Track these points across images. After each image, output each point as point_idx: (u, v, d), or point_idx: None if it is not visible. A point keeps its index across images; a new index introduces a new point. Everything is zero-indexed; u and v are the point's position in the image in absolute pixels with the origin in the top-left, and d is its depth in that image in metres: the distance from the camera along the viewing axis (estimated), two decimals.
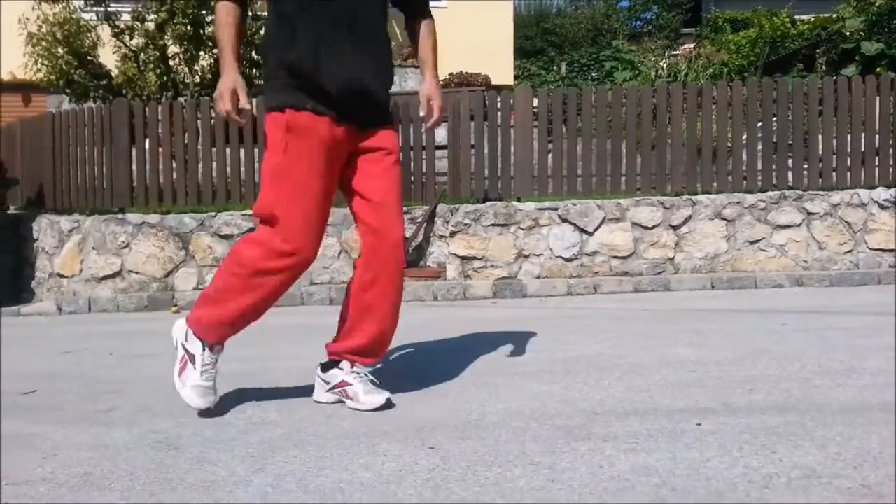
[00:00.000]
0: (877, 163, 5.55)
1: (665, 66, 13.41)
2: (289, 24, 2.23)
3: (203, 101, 5.87)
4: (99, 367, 3.22)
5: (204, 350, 2.32)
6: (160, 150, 5.66)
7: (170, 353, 2.38)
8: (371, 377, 2.40)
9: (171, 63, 7.94)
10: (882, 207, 5.32)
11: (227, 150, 5.61)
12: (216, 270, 2.42)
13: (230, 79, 2.23)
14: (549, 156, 5.71)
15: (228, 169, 5.62)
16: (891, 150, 5.56)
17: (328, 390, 2.42)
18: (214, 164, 5.61)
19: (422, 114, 2.43)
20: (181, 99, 7.01)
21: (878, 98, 5.59)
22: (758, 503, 1.52)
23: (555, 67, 15.53)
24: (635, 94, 5.80)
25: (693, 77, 11.25)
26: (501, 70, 11.31)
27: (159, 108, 5.72)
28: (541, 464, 1.79)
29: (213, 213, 5.33)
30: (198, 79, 7.95)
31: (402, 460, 1.85)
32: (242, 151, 5.62)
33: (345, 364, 2.39)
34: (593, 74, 14.18)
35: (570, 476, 1.71)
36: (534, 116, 5.81)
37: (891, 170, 5.53)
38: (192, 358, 2.31)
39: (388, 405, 2.32)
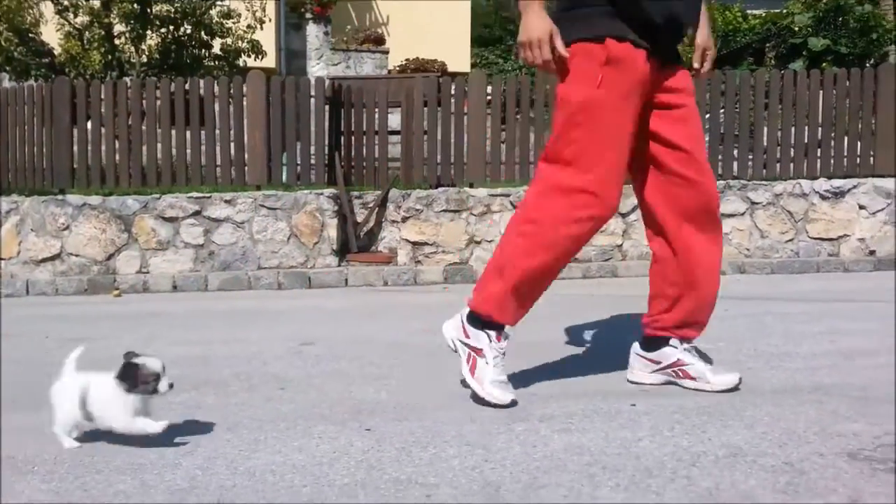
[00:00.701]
0: (819, 155, 5.70)
1: None
2: None
3: (148, 81, 5.72)
4: (36, 350, 3.12)
5: (490, 342, 2.13)
6: (103, 130, 5.49)
7: (109, 336, 2.32)
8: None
9: (117, 42, 7.70)
10: (823, 198, 5.48)
11: (173, 132, 5.47)
12: (499, 243, 2.16)
13: (545, 23, 1.97)
14: (503, 143, 5.72)
15: (174, 150, 5.49)
16: (832, 143, 5.72)
17: (656, 371, 2.24)
18: (159, 146, 5.46)
19: (695, 65, 2.18)
20: (126, 79, 6.81)
21: (821, 92, 5.73)
22: (683, 480, 1.55)
23: (513, 56, 15.55)
24: None
25: None
26: (458, 57, 11.29)
27: (103, 87, 5.55)
28: (476, 444, 1.80)
29: (158, 196, 5.20)
30: (144, 58, 7.72)
31: (337, 442, 1.83)
32: (188, 133, 5.49)
33: (675, 341, 2.20)
34: None
35: (504, 456, 1.72)
36: (487, 104, 5.80)
37: (832, 161, 5.69)
38: (479, 352, 2.12)
39: (739, 385, 2.16)
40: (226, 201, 5.19)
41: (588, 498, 1.48)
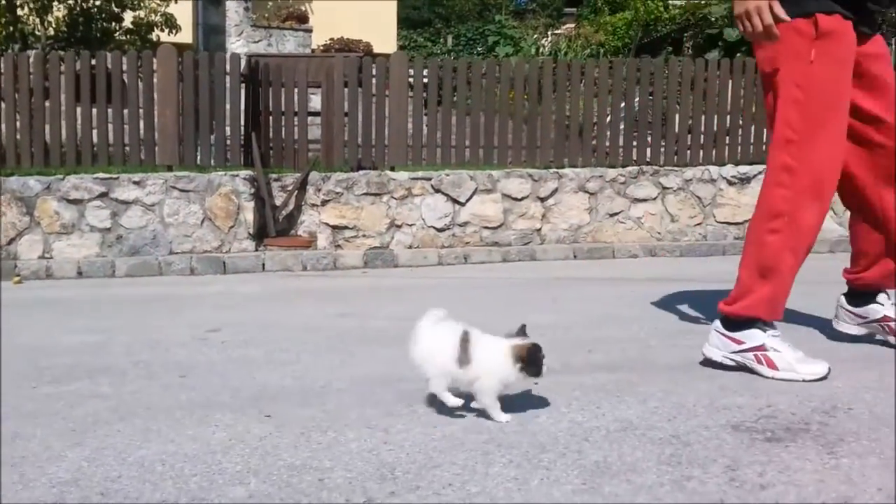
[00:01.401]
0: (727, 142, 5.93)
1: (547, 44, 13.73)
2: None
3: (53, 55, 5.42)
4: None
5: (766, 332, 2.13)
6: (3, 106, 5.18)
7: (11, 322, 2.18)
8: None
9: (20, 13, 7.27)
10: (730, 183, 5.71)
11: (79, 109, 5.22)
12: (746, 242, 2.23)
13: None
14: (425, 126, 5.71)
15: (79, 129, 5.23)
16: (740, 131, 5.96)
17: (863, 324, 2.38)
18: (64, 124, 5.20)
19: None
20: (29, 52, 6.43)
21: (730, 81, 5.95)
22: (574, 455, 1.59)
23: (441, 40, 15.53)
24: (510, 68, 5.89)
25: (572, 56, 11.58)
26: (385, 38, 11.18)
27: (3, 60, 5.23)
28: (377, 427, 1.80)
29: (62, 177, 4.95)
30: (51, 31, 7.33)
31: (233, 430, 1.79)
32: (95, 110, 5.24)
33: (883, 297, 2.33)
34: (478, 48, 14.29)
35: (404, 437, 1.72)
36: (410, 86, 5.77)
37: (739, 149, 5.93)
38: (762, 348, 2.12)
39: None
40: (135, 183, 4.99)
41: (481, 475, 1.50)
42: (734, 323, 2.18)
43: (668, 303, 3.42)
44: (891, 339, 2.37)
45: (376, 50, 10.31)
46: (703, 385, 2.09)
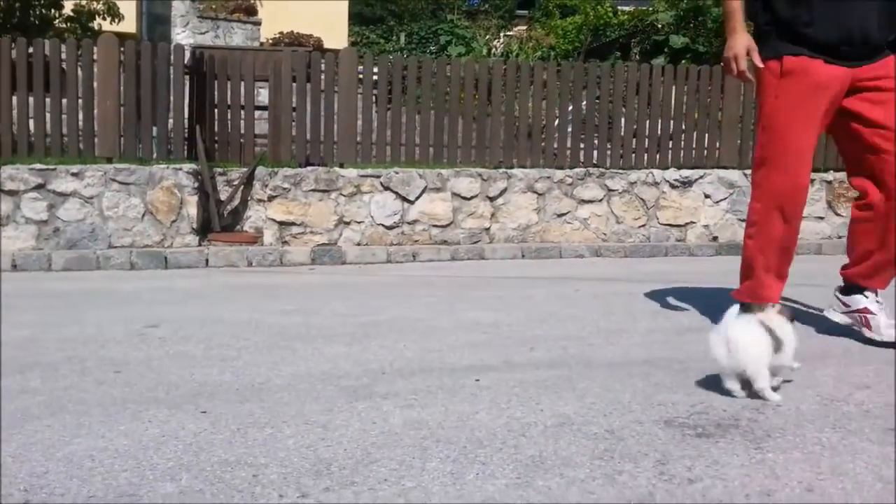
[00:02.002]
0: (670, 146, 6.08)
1: (499, 45, 13.83)
2: None
3: None
4: None
5: (868, 297, 2.56)
6: None
7: None
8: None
9: None
10: (672, 187, 5.85)
11: (14, 98, 5.02)
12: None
13: (743, 40, 2.47)
14: (374, 123, 5.68)
15: (15, 118, 5.03)
16: (682, 136, 6.11)
17: (844, 312, 2.62)
18: None
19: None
20: None
21: (674, 87, 6.10)
22: (511, 450, 1.61)
23: (394, 37, 15.47)
24: (461, 67, 5.91)
25: (523, 57, 11.69)
26: (336, 34, 11.09)
27: None
28: (315, 423, 1.78)
29: None
30: None
31: (167, 426, 1.76)
32: (32, 99, 5.06)
33: (869, 292, 2.56)
34: (431, 47, 14.30)
35: (342, 433, 1.72)
36: (359, 83, 5.74)
37: (682, 153, 6.08)
38: (866, 310, 2.55)
39: None
40: (73, 174, 4.83)
41: (418, 470, 1.50)
42: (847, 289, 2.65)
43: (611, 302, 3.49)
44: (864, 331, 2.57)
45: (327, 45, 10.21)
46: (640, 382, 2.14)
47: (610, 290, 3.91)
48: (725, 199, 5.94)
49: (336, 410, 1.88)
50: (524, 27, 16.72)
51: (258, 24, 10.30)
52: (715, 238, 5.89)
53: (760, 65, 2.49)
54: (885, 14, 2.46)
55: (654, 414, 1.86)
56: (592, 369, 2.27)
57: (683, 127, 6.11)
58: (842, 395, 2.02)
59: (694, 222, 5.87)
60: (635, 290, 3.92)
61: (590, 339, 2.70)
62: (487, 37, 13.89)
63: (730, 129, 6.15)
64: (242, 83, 5.52)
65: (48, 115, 5.09)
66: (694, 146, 6.11)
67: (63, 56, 5.12)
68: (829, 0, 2.44)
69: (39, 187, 4.79)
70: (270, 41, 10.13)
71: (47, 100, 5.09)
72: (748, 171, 6.03)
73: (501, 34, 15.53)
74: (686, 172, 5.89)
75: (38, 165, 4.84)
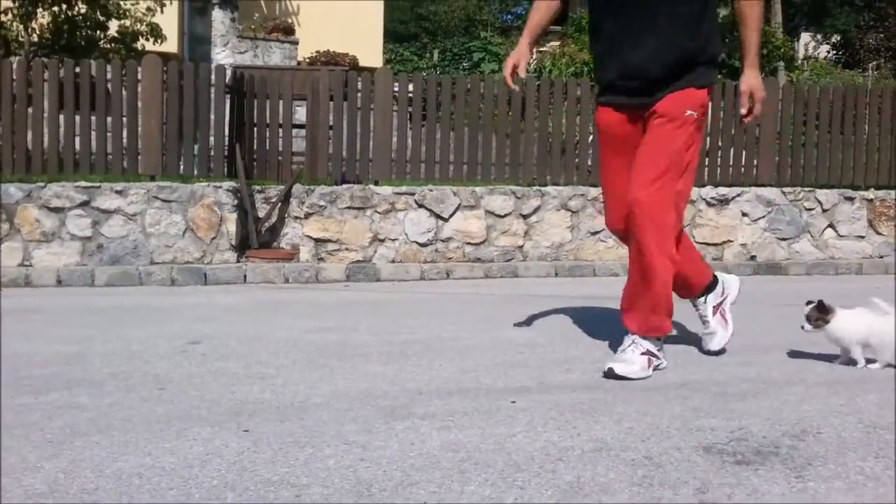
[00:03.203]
0: (706, 163, 6.02)
1: (532, 61, 13.86)
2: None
3: (36, 61, 5.39)
4: None
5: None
6: None
7: None
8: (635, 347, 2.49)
9: (3, 19, 7.23)
10: (709, 205, 5.79)
11: (61, 117, 5.19)
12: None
13: (517, 50, 2.66)
14: (409, 141, 5.74)
15: (62, 136, 5.20)
16: (719, 153, 6.06)
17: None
18: (46, 131, 5.17)
19: (742, 111, 2.49)
20: (13, 58, 6.40)
21: (710, 103, 6.05)
22: (549, 475, 1.62)
23: (428, 54, 15.63)
24: (495, 85, 5.95)
25: (556, 74, 11.69)
26: (371, 52, 11.23)
27: None
28: (355, 443, 1.81)
29: (43, 184, 4.92)
30: (35, 38, 7.29)
31: (211, 444, 1.80)
32: (78, 118, 5.22)
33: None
34: (464, 64, 14.41)
35: (381, 454, 1.74)
36: (395, 101, 5.81)
37: (718, 170, 6.02)
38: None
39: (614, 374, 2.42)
40: (117, 192, 4.97)
41: (456, 494, 1.52)
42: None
43: None
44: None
45: (362, 63, 10.35)
46: (678, 407, 2.13)
47: None
48: (763, 217, 5.86)
49: (374, 431, 1.90)
50: (557, 43, 16.74)
51: (295, 43, 10.49)
52: (753, 257, 5.81)
53: (522, 75, 2.69)
54: (667, 46, 2.42)
55: (692, 440, 1.85)
56: (629, 392, 2.26)
57: (720, 144, 6.06)
58: (885, 422, 1.98)
59: (731, 241, 5.80)
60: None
61: None
62: None
63: (767, 145, 6.07)
64: (281, 102, 5.63)
65: (94, 134, 5.24)
66: (731, 163, 6.04)
67: (108, 76, 5.28)
68: (610, 36, 2.50)
69: (84, 204, 4.93)
70: (307, 60, 10.31)
71: (93, 118, 5.24)
72: (787, 189, 5.95)
73: (534, 50, 15.57)
74: (723, 190, 5.84)
75: (84, 183, 4.98)
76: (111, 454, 1.73)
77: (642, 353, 2.45)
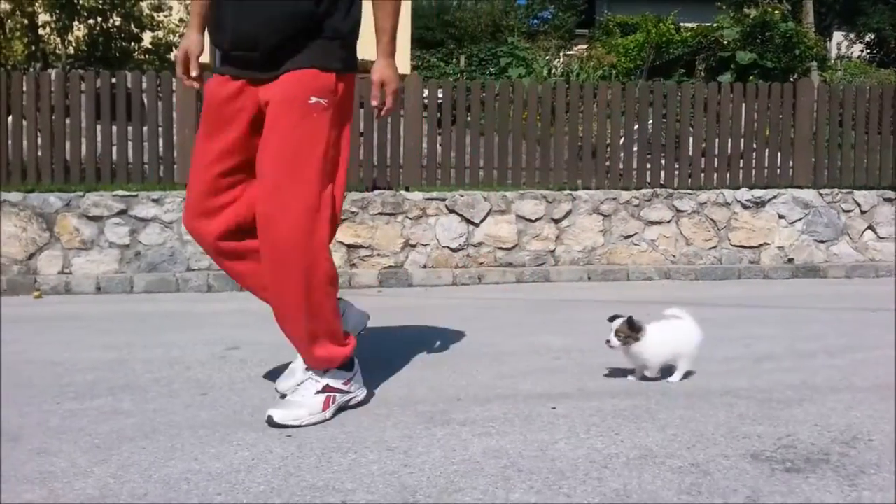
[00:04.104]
0: (741, 165, 5.94)
1: (559, 65, 13.82)
2: None
3: (73, 73, 5.51)
4: None
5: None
6: (25, 124, 5.26)
7: (27, 339, 2.21)
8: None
9: (41, 32, 7.41)
10: (744, 207, 5.71)
11: (98, 127, 5.29)
12: None
13: (185, 40, 2.13)
14: (439, 146, 5.75)
15: (99, 146, 5.31)
16: (754, 154, 5.97)
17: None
18: (84, 141, 5.28)
19: (373, 103, 2.13)
20: (51, 71, 6.55)
21: (744, 104, 5.98)
22: (594, 482, 1.60)
23: (454, 60, 15.64)
24: (523, 90, 5.94)
25: (584, 77, 11.65)
26: (398, 59, 11.23)
27: (25, 79, 5.32)
28: (397, 449, 1.81)
29: (82, 193, 5.02)
30: (71, 50, 7.45)
31: (255, 449, 1.81)
32: (115, 128, 5.32)
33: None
34: (491, 69, 14.40)
35: (424, 460, 1.74)
36: (425, 107, 5.83)
37: (753, 172, 5.94)
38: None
39: None
40: (153, 200, 5.05)
41: (502, 501, 1.51)
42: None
43: None
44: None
45: None
46: (722, 413, 2.09)
47: None
48: (801, 219, 5.76)
49: (416, 437, 1.90)
50: (584, 46, 16.67)
51: None
52: (790, 260, 5.71)
53: (193, 73, 2.13)
54: (282, 13, 1.97)
55: (739, 447, 1.82)
56: (671, 399, 2.23)
57: (755, 145, 5.97)
58: None
59: (768, 244, 5.71)
60: (709, 314, 3.83)
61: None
62: (547, 57, 13.90)
63: (803, 146, 5.97)
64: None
65: (130, 144, 5.34)
66: (766, 165, 5.96)
67: (144, 87, 5.37)
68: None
69: (122, 213, 5.02)
70: None
71: (129, 129, 5.34)
72: (824, 191, 5.85)
73: (561, 54, 15.52)
74: (758, 192, 5.75)
75: (121, 192, 5.07)
76: (158, 459, 1.75)
77: (318, 392, 2.05)
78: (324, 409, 2.04)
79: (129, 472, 1.67)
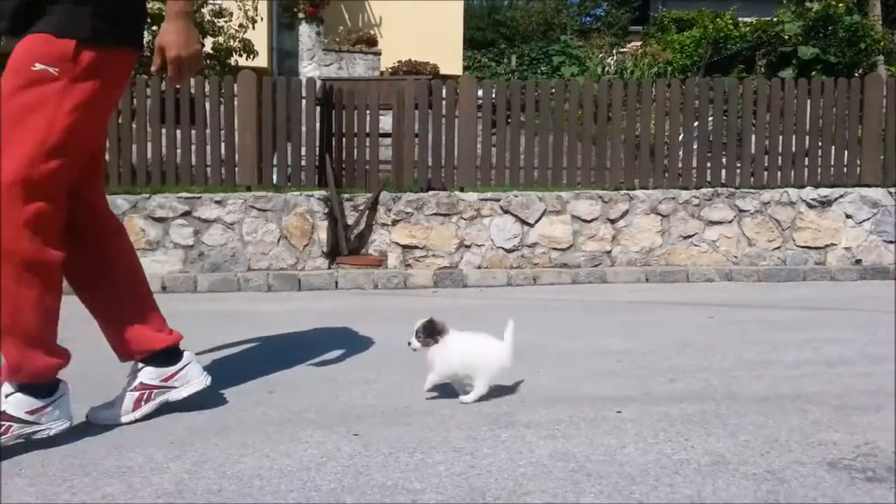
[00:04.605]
0: (806, 163, 5.76)
1: (613, 62, 13.64)
2: None
3: (139, 79, 5.69)
4: None
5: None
6: None
7: (96, 336, 2.29)
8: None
9: None
10: (810, 206, 5.53)
11: (163, 131, 5.46)
12: None
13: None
14: (493, 147, 5.75)
15: (164, 150, 5.47)
16: (819, 152, 5.78)
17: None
18: (149, 145, 5.45)
19: (152, 69, 1.95)
20: None
21: (808, 100, 5.79)
22: (666, 488, 1.57)
23: (505, 60, 15.59)
24: (578, 88, 5.88)
25: (639, 75, 11.48)
26: (451, 60, 11.31)
27: None
28: (463, 450, 1.81)
29: (147, 196, 5.19)
30: None
31: (324, 447, 1.84)
32: (179, 132, 5.48)
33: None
34: (542, 68, 14.30)
35: (490, 462, 1.73)
36: (479, 108, 5.83)
37: (819, 170, 5.75)
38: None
39: None
40: (216, 202, 5.18)
41: None
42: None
43: (749, 330, 3.34)
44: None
45: (442, 71, 10.44)
46: (795, 419, 2.03)
47: (747, 317, 3.73)
48: (869, 219, 5.55)
49: (480, 438, 1.90)
50: (638, 43, 16.41)
51: (378, 54, 10.69)
52: (858, 261, 5.51)
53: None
54: None
55: (815, 454, 1.76)
56: (740, 404, 2.18)
57: (820, 143, 5.77)
58: None
59: (835, 244, 5.52)
60: (775, 317, 3.73)
61: (733, 370, 2.59)
62: (601, 55, 13.73)
63: (871, 144, 5.75)
64: (367, 112, 5.74)
65: (193, 147, 5.49)
66: (832, 163, 5.76)
67: (206, 91, 5.51)
68: None
69: (186, 214, 5.16)
70: (389, 70, 10.49)
71: (192, 132, 5.49)
72: (893, 189, 5.62)
73: (614, 51, 15.31)
74: (824, 191, 5.56)
75: (185, 194, 5.22)
76: (231, 456, 1.80)
77: None
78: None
79: (204, 468, 1.72)
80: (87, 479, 1.67)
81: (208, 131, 5.47)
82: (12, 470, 1.73)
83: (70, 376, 1.97)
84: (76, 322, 2.18)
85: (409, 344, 2.24)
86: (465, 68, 13.02)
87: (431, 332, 2.22)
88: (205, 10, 7.75)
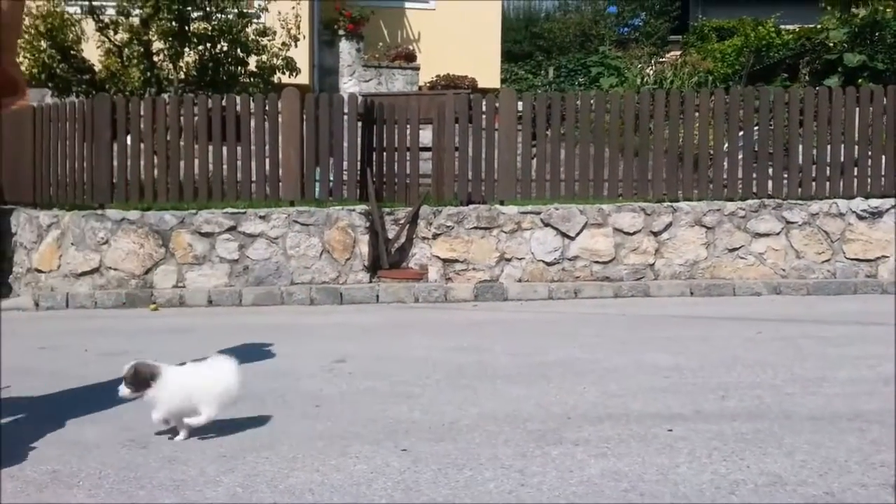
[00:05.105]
0: (855, 174, 5.61)
1: (651, 72, 13.51)
2: None
3: (186, 97, 5.84)
4: (74, 363, 3.19)
5: None
6: (142, 146, 5.61)
7: (146, 349, 2.35)
8: None
9: (155, 59, 7.89)
10: (860, 218, 5.39)
11: (210, 148, 5.58)
12: None
13: None
14: (533, 160, 5.73)
15: (210, 166, 5.59)
16: (869, 162, 5.63)
17: None
18: (196, 162, 5.57)
19: None
20: (164, 95, 6.96)
21: (857, 109, 5.65)
22: None
23: (542, 72, 15.57)
24: (618, 99, 5.84)
25: (679, 84, 11.35)
26: (488, 73, 11.32)
27: (142, 103, 5.68)
28: (512, 467, 1.80)
29: (194, 211, 5.30)
30: (182, 75, 7.90)
31: (373, 462, 1.85)
32: (225, 149, 5.59)
33: None
34: (580, 80, 14.23)
35: (541, 480, 1.72)
36: (518, 120, 5.82)
37: (869, 181, 5.60)
38: None
39: None
40: (260, 217, 5.27)
41: None
42: None
43: (801, 346, 3.25)
44: None
45: (480, 84, 10.45)
46: (853, 438, 1.97)
47: (797, 332, 3.64)
48: None
49: (529, 455, 1.89)
50: (677, 53, 16.23)
51: (417, 69, 10.77)
52: None
53: None
54: None
55: (877, 476, 1.71)
56: (795, 422, 2.12)
57: (870, 152, 5.63)
58: None
59: (886, 256, 5.36)
60: (827, 332, 3.64)
61: (785, 387, 2.53)
62: (640, 65, 13.62)
63: None
64: (408, 126, 5.79)
65: (238, 163, 5.60)
66: (882, 173, 5.60)
67: (251, 109, 5.63)
68: None
69: (231, 229, 5.26)
70: (428, 84, 10.55)
71: (238, 149, 5.60)
72: None
73: (653, 61, 15.17)
74: (875, 202, 5.41)
75: (230, 209, 5.33)
76: (282, 470, 1.82)
77: None
78: None
79: (256, 482, 1.74)
80: (143, 492, 1.70)
81: (253, 148, 5.57)
82: (70, 481, 1.77)
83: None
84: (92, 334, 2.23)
85: (118, 392, 2.02)
86: (503, 81, 13.03)
87: (142, 380, 2.00)
88: (249, 30, 7.92)
